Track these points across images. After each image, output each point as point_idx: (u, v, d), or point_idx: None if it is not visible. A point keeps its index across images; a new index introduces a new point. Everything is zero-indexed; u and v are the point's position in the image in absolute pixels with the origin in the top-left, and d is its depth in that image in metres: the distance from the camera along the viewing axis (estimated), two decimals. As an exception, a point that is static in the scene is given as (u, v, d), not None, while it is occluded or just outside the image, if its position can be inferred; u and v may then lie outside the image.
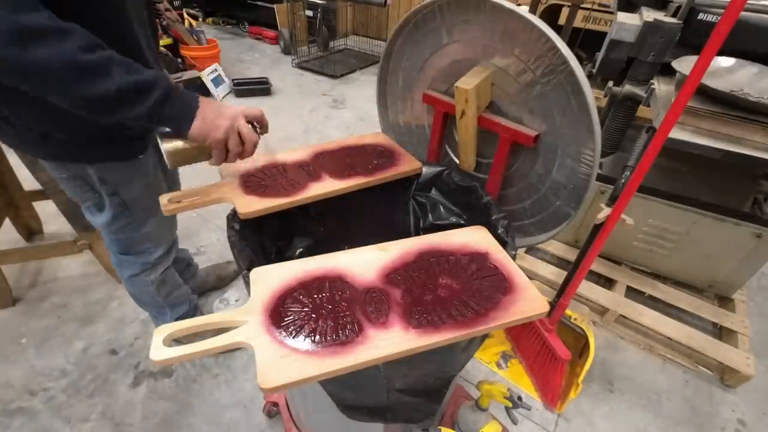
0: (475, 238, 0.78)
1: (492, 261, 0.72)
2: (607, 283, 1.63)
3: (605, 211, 0.96)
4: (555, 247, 1.75)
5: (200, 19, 4.31)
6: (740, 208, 1.46)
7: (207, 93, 3.02)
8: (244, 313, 0.60)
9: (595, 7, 2.53)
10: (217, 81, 3.05)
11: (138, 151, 0.90)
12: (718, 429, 1.27)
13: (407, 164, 0.93)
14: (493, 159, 0.91)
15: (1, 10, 0.52)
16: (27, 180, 1.43)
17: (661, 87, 1.32)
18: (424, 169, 0.94)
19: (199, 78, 2.97)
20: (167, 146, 0.72)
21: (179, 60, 3.16)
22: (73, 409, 1.21)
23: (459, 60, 0.89)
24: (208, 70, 3.01)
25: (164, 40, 3.09)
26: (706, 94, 1.13)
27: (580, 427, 1.25)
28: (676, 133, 1.11)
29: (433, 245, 0.75)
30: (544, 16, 2.35)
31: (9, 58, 0.54)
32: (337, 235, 1.01)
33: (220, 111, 0.73)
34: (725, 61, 1.26)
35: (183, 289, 1.29)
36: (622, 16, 1.38)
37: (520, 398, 1.02)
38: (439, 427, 0.90)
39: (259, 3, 4.18)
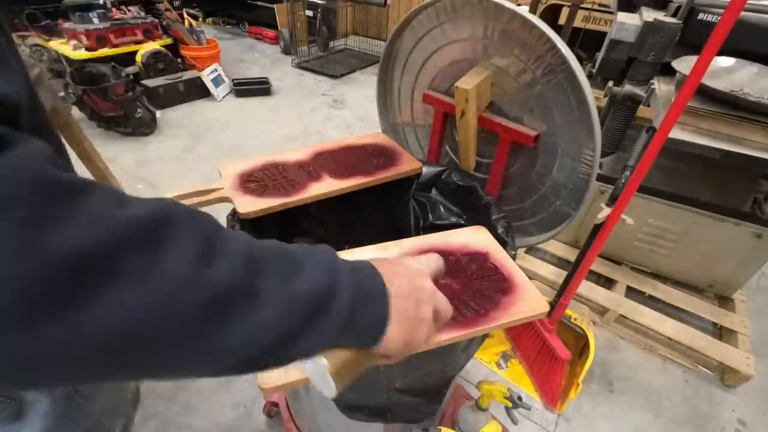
0: (475, 238, 0.78)
1: (492, 261, 0.72)
2: (607, 283, 1.63)
3: (605, 211, 0.96)
4: (555, 247, 1.75)
5: (200, 19, 4.32)
6: (740, 208, 1.46)
7: (207, 93, 3.03)
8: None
9: (595, 7, 2.53)
10: (217, 81, 3.06)
11: None
12: (718, 429, 1.27)
13: (407, 164, 0.93)
14: (493, 159, 0.91)
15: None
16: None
17: (661, 87, 1.32)
18: (424, 169, 0.94)
19: (199, 78, 2.98)
20: (329, 365, 0.37)
21: (179, 60, 3.16)
22: (73, 409, 1.21)
23: (459, 60, 0.89)
24: (208, 70, 3.01)
25: (164, 40, 3.10)
26: (706, 94, 1.13)
27: (580, 427, 1.25)
28: (676, 133, 1.11)
29: (433, 245, 0.75)
30: (544, 16, 2.35)
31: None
32: (337, 235, 1.01)
33: (417, 287, 0.40)
34: (725, 61, 1.26)
35: None
36: (622, 16, 1.38)
37: (520, 398, 1.02)
38: (439, 427, 0.90)
39: (259, 3, 4.19)
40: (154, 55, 2.91)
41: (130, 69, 2.75)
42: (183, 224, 0.26)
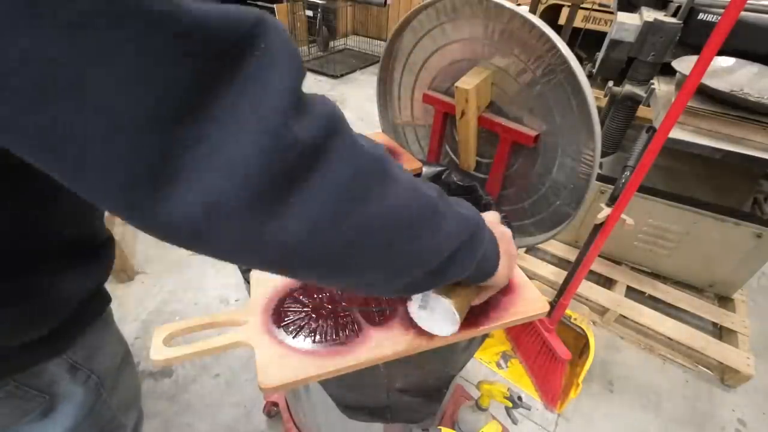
0: (475, 238, 0.77)
1: (492, 261, 0.72)
2: (607, 283, 1.63)
3: (605, 211, 0.96)
4: (555, 247, 1.75)
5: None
6: (740, 208, 1.46)
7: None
8: (244, 312, 0.60)
9: (595, 7, 2.53)
10: (217, 81, 3.05)
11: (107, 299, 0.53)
12: (718, 429, 1.27)
13: (407, 164, 0.93)
14: (493, 159, 0.91)
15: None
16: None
17: (661, 87, 1.32)
18: (424, 169, 0.94)
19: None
20: (453, 302, 0.47)
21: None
22: (73, 409, 1.21)
23: (459, 60, 0.89)
24: (208, 70, 3.00)
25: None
26: (706, 94, 1.13)
27: (580, 427, 1.25)
28: (676, 133, 1.11)
29: (433, 245, 0.75)
30: (544, 16, 2.34)
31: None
32: (337, 235, 1.01)
33: (503, 231, 0.51)
34: (725, 61, 1.26)
35: None
36: (622, 16, 1.38)
37: (520, 398, 1.02)
38: (439, 427, 0.90)
39: (260, 3, 4.18)
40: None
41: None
42: (390, 161, 0.32)
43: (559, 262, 1.72)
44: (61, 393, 0.51)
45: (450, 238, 0.36)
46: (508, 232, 0.51)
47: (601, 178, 1.52)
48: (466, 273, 0.41)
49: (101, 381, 0.56)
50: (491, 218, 0.52)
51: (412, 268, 0.35)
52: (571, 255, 1.70)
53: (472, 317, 0.61)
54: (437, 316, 0.48)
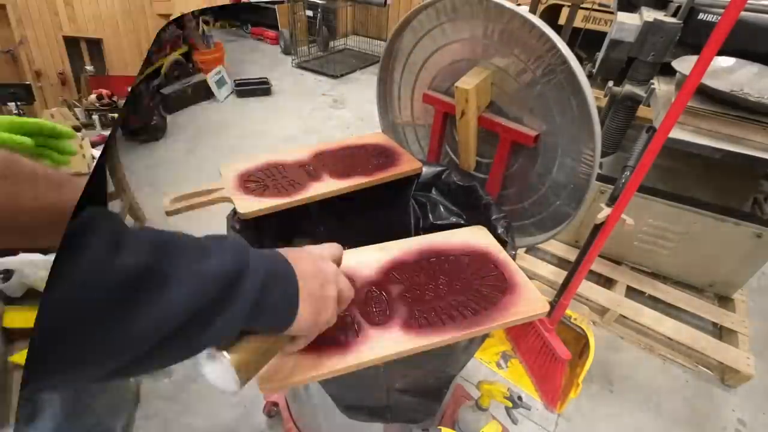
0: (475, 238, 0.78)
1: (492, 261, 0.72)
2: (607, 283, 1.63)
3: (605, 211, 0.96)
4: (555, 247, 1.74)
5: (211, 24, 4.31)
6: (740, 208, 1.46)
7: (211, 95, 3.03)
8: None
9: (595, 7, 2.52)
10: (220, 82, 3.06)
11: None
12: (718, 429, 1.27)
13: (407, 164, 0.93)
14: (493, 159, 0.91)
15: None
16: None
17: (661, 87, 1.32)
18: (424, 169, 0.94)
19: (205, 81, 2.99)
20: (233, 358, 0.38)
21: (191, 65, 3.16)
22: (74, 409, 1.21)
23: (459, 60, 0.89)
24: (212, 72, 3.02)
25: (182, 49, 3.09)
26: (706, 94, 1.13)
27: (580, 427, 1.25)
28: (676, 133, 1.11)
29: (433, 245, 0.75)
30: (544, 16, 2.34)
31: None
32: (337, 235, 1.01)
33: (320, 269, 0.44)
34: (725, 61, 1.26)
35: None
36: (622, 16, 1.38)
37: (520, 398, 1.02)
38: (439, 427, 0.90)
39: (260, 3, 4.19)
40: (174, 63, 2.93)
41: (155, 81, 2.80)
42: (96, 221, 0.27)
43: (559, 262, 1.72)
44: (41, 401, 0.52)
45: (173, 308, 0.28)
46: (326, 268, 0.45)
47: (601, 178, 1.52)
48: (233, 333, 0.35)
49: (82, 387, 0.57)
50: (312, 253, 0.46)
51: (105, 355, 0.27)
52: (571, 255, 1.70)
53: (473, 318, 0.61)
54: (222, 367, 0.38)
